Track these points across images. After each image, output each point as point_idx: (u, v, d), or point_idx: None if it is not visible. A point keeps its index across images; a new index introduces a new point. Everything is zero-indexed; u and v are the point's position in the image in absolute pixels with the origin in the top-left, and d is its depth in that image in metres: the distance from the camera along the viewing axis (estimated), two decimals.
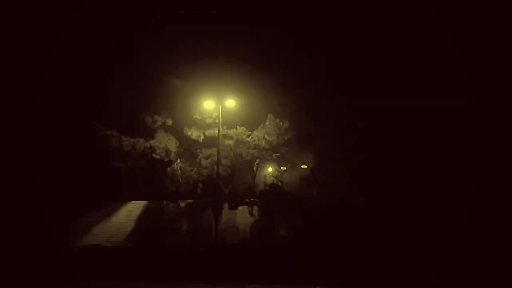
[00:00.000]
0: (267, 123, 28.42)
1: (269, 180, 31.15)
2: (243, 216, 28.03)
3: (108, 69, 28.16)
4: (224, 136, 27.46)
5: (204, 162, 28.13)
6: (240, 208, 28.28)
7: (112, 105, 28.25)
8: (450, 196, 23.06)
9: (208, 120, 27.62)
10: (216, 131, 25.81)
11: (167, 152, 28.57)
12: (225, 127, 27.41)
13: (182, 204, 28.56)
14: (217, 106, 24.80)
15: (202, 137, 28.35)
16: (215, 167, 26.16)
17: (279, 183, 30.66)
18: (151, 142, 28.52)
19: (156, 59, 28.39)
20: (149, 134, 28.94)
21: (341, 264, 20.07)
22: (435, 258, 19.07)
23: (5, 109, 27.21)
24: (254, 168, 30.96)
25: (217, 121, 25.62)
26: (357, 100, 27.42)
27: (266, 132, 28.32)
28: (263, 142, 28.23)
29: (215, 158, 25.86)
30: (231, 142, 27.89)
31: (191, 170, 28.66)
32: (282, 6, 28.70)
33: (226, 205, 28.07)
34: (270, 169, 31.80)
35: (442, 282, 18.04)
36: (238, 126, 28.23)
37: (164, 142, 28.66)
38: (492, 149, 23.29)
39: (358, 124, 27.72)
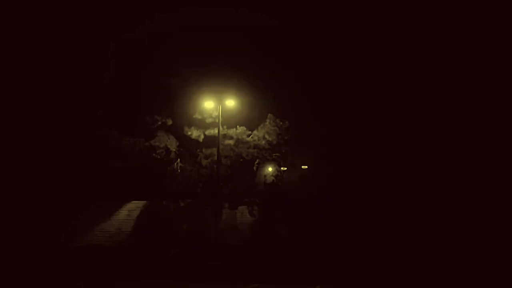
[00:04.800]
0: (267, 123, 28.40)
1: (269, 180, 31.08)
2: (243, 216, 28.01)
3: (108, 69, 28.18)
4: (224, 135, 27.44)
5: (204, 162, 28.11)
6: (240, 208, 28.25)
7: (112, 105, 28.24)
8: (450, 196, 23.06)
9: (208, 120, 27.60)
10: (216, 131, 25.82)
11: (167, 152, 28.56)
12: (225, 126, 27.39)
13: (182, 204, 28.54)
14: (217, 106, 24.82)
15: (202, 137, 28.32)
16: (215, 167, 26.16)
17: (279, 183, 30.62)
18: (151, 142, 28.50)
19: (156, 58, 28.41)
20: (149, 134, 28.92)
21: (341, 263, 20.06)
22: (435, 257, 19.06)
23: (5, 109, 27.22)
24: (254, 168, 30.92)
25: (217, 120, 25.64)
26: (357, 100, 27.46)
27: (266, 132, 28.30)
28: (263, 142, 28.22)
29: (215, 158, 25.88)
30: (231, 141, 27.87)
31: (191, 170, 28.64)
32: (282, 5, 28.73)
33: (226, 205, 28.05)
34: (270, 169, 31.73)
35: (442, 281, 18.02)
36: (238, 126, 28.21)
37: (164, 142, 28.63)
38: (492, 148, 23.30)
39: (358, 124, 27.73)
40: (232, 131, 28.03)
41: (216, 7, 28.83)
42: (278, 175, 31.13)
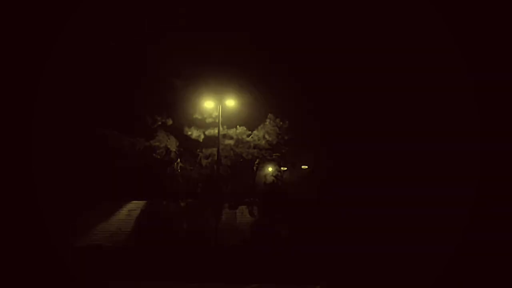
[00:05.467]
0: (267, 123, 28.41)
1: (269, 180, 31.12)
2: (243, 216, 28.02)
3: (108, 69, 28.16)
4: (224, 135, 27.45)
5: (204, 162, 28.12)
6: (240, 208, 28.26)
7: (112, 104, 28.23)
8: (450, 196, 23.06)
9: (208, 120, 27.61)
10: (216, 131, 25.83)
11: (167, 152, 28.56)
12: (225, 126, 27.40)
13: (182, 204, 28.54)
14: (217, 106, 24.83)
15: (202, 136, 28.33)
16: (215, 167, 26.17)
17: (279, 183, 30.63)
18: (151, 142, 28.51)
19: (156, 58, 28.39)
20: (149, 134, 28.93)
21: (342, 263, 20.06)
22: (436, 257, 19.07)
23: (5, 109, 27.20)
24: (254, 168, 30.94)
25: (217, 120, 25.65)
26: (358, 100, 27.49)
27: (266, 132, 28.30)
28: (263, 141, 28.23)
29: (215, 157, 25.89)
30: (231, 141, 27.88)
31: (191, 170, 28.65)
32: (283, 4, 28.72)
33: (226, 205, 28.06)
34: (270, 169, 31.77)
35: (442, 281, 18.03)
36: (238, 126, 28.22)
37: (164, 142, 28.63)
38: (492, 149, 23.30)
39: (359, 124, 27.77)
40: (232, 131, 28.03)
41: (216, 7, 28.78)
42: (278, 175, 31.18)
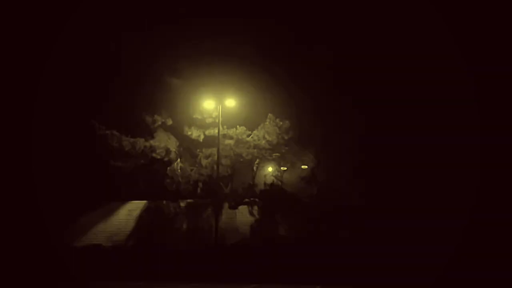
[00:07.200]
0: (267, 123, 28.38)
1: (269, 180, 31.08)
2: (243, 216, 28.02)
3: (108, 69, 28.18)
4: (224, 135, 27.43)
5: (204, 162, 28.09)
6: (240, 208, 28.25)
7: (112, 104, 28.24)
8: (450, 196, 23.05)
9: (208, 120, 27.60)
10: (216, 131, 25.82)
11: (167, 152, 28.55)
12: (225, 126, 27.38)
13: (182, 204, 28.55)
14: (217, 106, 24.82)
15: (202, 136, 28.32)
16: (215, 166, 26.16)
17: (279, 183, 30.61)
18: (151, 142, 28.50)
19: (156, 58, 28.41)
20: (149, 134, 28.93)
21: (341, 263, 20.07)
22: (436, 257, 19.07)
23: (5, 109, 27.22)
24: (254, 168, 30.92)
25: (217, 120, 25.64)
26: (357, 99, 27.47)
27: (266, 131, 28.26)
28: (263, 141, 28.19)
29: (215, 157, 25.87)
30: (231, 141, 27.85)
31: (191, 170, 28.63)
32: (282, 4, 28.72)
33: (226, 205, 28.06)
34: (270, 169, 31.74)
35: (442, 281, 18.04)
36: (238, 126, 28.20)
37: (164, 142, 28.62)
38: (493, 149, 23.30)
39: (359, 123, 27.73)
40: (232, 131, 28.01)
41: (217, 7, 28.80)
42: (278, 175, 31.16)
